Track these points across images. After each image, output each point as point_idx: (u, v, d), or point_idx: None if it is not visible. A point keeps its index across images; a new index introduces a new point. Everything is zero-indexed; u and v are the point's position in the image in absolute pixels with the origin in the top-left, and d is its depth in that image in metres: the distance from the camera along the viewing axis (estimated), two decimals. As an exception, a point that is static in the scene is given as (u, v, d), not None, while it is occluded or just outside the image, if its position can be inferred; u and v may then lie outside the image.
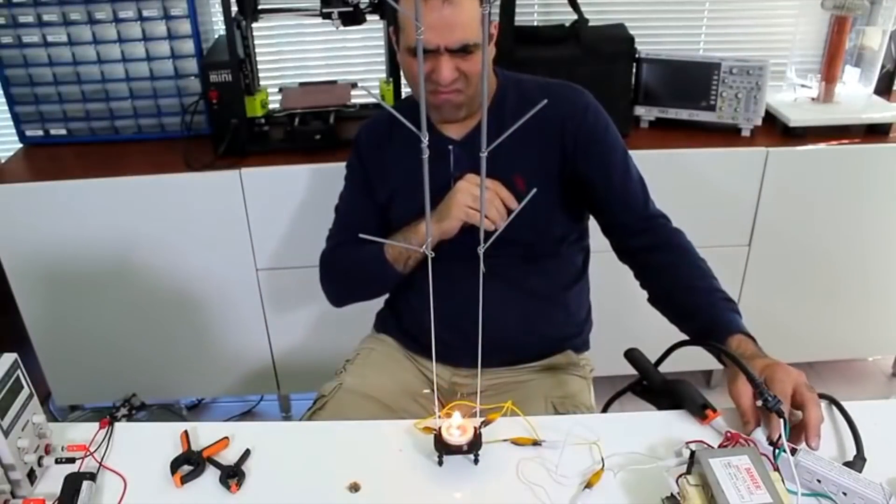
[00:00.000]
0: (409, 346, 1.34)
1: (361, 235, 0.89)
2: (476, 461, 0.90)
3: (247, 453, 0.93)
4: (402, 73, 1.34)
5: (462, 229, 1.16)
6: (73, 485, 0.86)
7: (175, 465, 0.92)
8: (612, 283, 1.39)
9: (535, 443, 0.94)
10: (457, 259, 1.06)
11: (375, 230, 1.28)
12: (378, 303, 1.40)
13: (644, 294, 1.21)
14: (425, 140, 0.64)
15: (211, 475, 0.91)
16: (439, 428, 0.90)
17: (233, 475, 0.89)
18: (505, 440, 0.94)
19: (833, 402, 0.99)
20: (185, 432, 0.97)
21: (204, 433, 0.97)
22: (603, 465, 0.89)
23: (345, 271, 1.32)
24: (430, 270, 0.83)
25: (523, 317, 1.25)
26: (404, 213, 1.23)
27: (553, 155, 1.19)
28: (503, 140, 1.10)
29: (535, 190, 0.82)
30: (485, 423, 0.93)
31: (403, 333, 1.34)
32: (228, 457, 0.93)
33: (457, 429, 0.89)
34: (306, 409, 1.24)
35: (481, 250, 0.74)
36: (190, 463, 0.92)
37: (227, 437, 0.95)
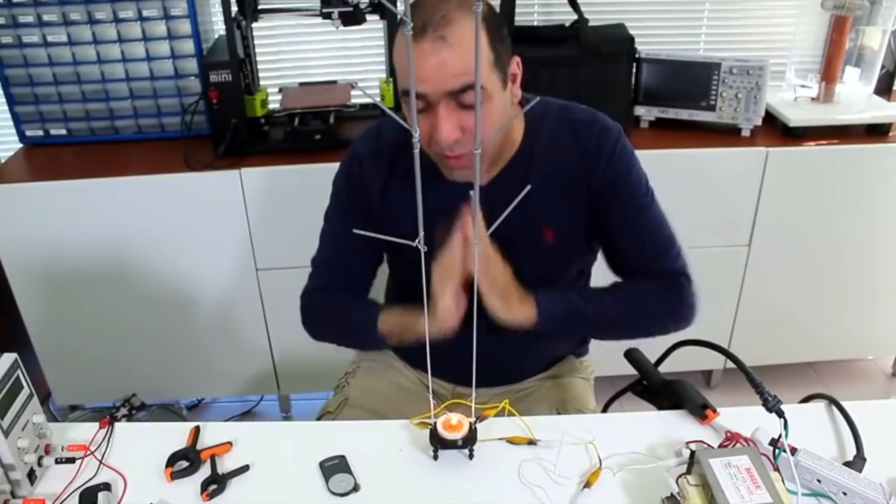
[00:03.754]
0: (408, 360, 1.32)
1: (356, 231, 0.83)
2: (471, 456, 0.91)
3: (245, 468, 0.92)
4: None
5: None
6: (89, 499, 0.86)
7: (173, 460, 0.92)
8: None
9: (531, 442, 0.94)
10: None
11: (367, 274, 1.20)
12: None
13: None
14: (416, 135, 0.64)
15: (204, 476, 0.91)
16: (435, 422, 0.90)
17: (212, 482, 0.89)
18: (501, 439, 0.94)
19: (833, 402, 0.99)
20: (197, 428, 0.97)
21: (212, 433, 0.98)
22: (601, 465, 0.89)
23: (331, 324, 1.21)
24: (424, 269, 0.81)
25: (525, 345, 1.22)
26: (418, 261, 1.14)
27: (580, 204, 1.09)
28: (534, 184, 0.99)
29: (528, 187, 0.77)
30: (479, 419, 0.94)
31: (403, 349, 1.31)
32: (227, 462, 0.93)
33: (452, 423, 0.90)
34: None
35: (476, 245, 0.73)
36: (187, 459, 0.92)
37: (230, 443, 0.95)
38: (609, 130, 1.09)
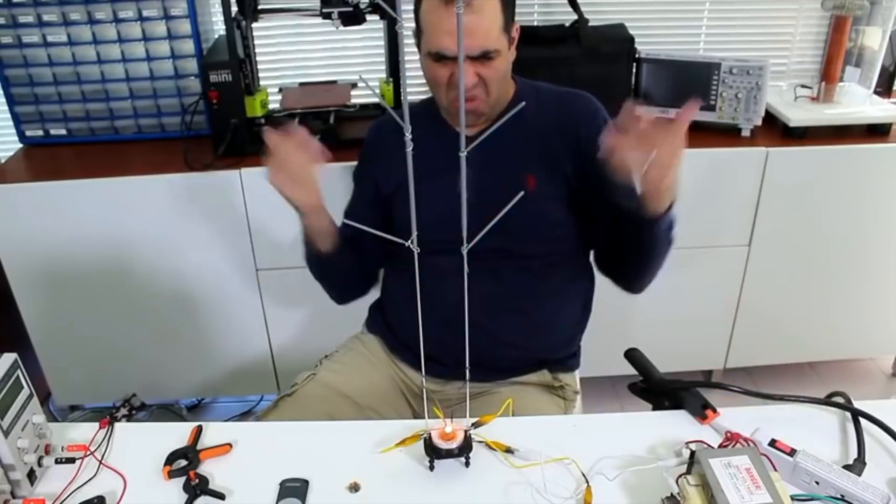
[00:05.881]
0: (391, 345, 1.34)
1: (345, 220, 0.87)
2: (467, 464, 0.90)
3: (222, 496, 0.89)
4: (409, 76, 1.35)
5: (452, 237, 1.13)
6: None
7: (172, 458, 0.92)
8: (611, 284, 1.39)
9: (508, 450, 0.92)
10: (444, 255, 1.05)
11: (369, 225, 1.27)
12: (374, 297, 1.41)
13: (644, 295, 1.20)
14: (409, 134, 0.66)
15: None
16: (429, 433, 0.90)
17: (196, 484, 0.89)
18: (480, 442, 0.93)
19: (847, 402, 0.97)
20: (199, 427, 0.98)
21: (212, 433, 0.98)
22: (588, 484, 0.87)
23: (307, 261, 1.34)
24: (417, 267, 0.83)
25: (499, 328, 1.22)
26: (407, 206, 1.21)
27: (567, 159, 1.20)
28: (521, 139, 1.20)
29: (522, 193, 0.81)
30: (475, 425, 0.94)
31: (388, 331, 1.35)
32: (223, 464, 0.93)
33: (446, 432, 0.89)
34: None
35: (465, 249, 0.74)
36: (185, 458, 0.92)
37: (229, 444, 0.95)
38: (597, 107, 1.23)
